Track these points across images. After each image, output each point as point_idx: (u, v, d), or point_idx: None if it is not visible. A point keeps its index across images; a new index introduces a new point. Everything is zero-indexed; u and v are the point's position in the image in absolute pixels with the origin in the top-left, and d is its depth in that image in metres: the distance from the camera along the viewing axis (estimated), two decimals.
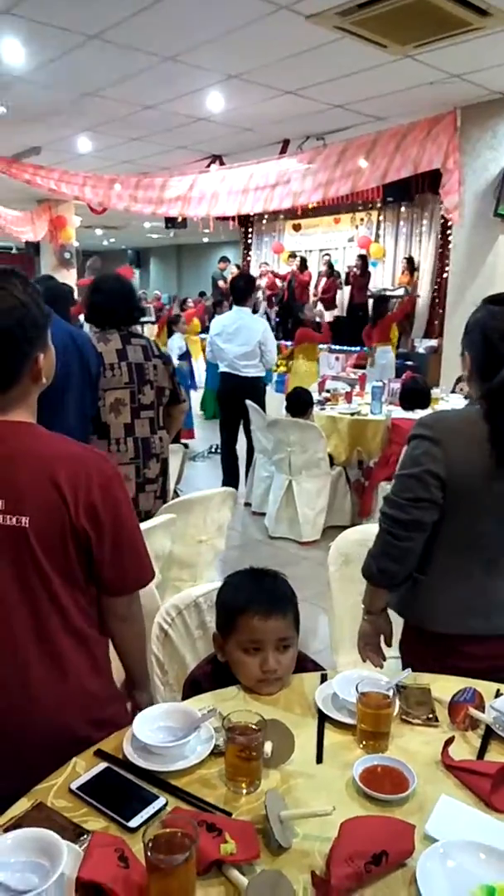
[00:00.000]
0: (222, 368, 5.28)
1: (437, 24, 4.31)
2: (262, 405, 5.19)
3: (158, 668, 1.77)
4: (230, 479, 5.57)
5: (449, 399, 5.18)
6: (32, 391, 1.30)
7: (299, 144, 7.15)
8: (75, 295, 5.11)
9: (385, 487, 4.35)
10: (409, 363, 10.50)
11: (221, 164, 8.08)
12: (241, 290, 5.30)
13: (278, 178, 6.81)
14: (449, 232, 9.77)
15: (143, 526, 1.90)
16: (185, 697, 1.55)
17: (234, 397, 5.19)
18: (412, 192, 10.77)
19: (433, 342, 10.93)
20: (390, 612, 1.73)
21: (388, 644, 1.69)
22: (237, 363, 5.16)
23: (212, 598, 1.86)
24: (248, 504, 5.29)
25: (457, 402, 5.13)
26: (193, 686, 1.52)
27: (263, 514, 4.96)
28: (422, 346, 11.13)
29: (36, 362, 1.28)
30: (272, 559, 4.34)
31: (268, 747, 1.18)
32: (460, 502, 1.50)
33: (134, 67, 5.32)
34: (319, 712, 1.35)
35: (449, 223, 7.44)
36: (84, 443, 2.61)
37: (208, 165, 8.06)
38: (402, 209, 11.99)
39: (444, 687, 1.44)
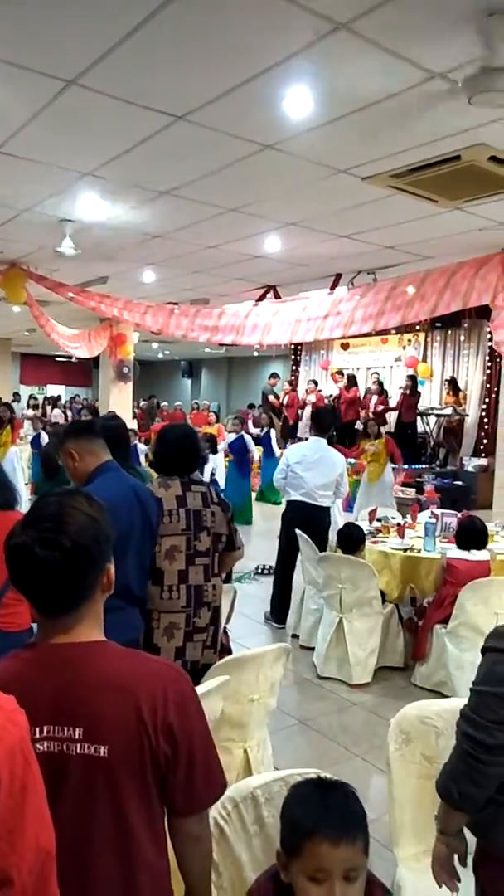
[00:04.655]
0: (294, 497, 5.24)
1: (487, 185, 4.58)
2: (327, 535, 5.17)
3: (212, 868, 1.68)
4: (280, 611, 5.44)
5: None
6: (101, 601, 1.31)
7: (351, 279, 7.51)
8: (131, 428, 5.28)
9: (440, 631, 4.20)
10: (458, 482, 10.41)
11: (276, 294, 8.52)
12: (324, 423, 5.41)
13: (330, 309, 7.11)
14: (497, 355, 9.96)
15: (199, 689, 1.85)
16: None
17: (304, 526, 5.11)
18: (460, 318, 11.09)
19: (483, 461, 10.87)
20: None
21: (463, 864, 1.57)
22: (316, 493, 5.16)
23: (270, 791, 1.77)
24: (295, 636, 5.15)
25: None
26: None
27: (311, 649, 4.80)
28: (470, 464, 11.07)
29: (107, 573, 1.30)
30: (321, 702, 4.17)
31: None
32: None
33: (200, 217, 5.76)
34: None
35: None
36: (143, 595, 2.65)
37: (263, 295, 8.49)
38: (450, 332, 12.32)
39: None
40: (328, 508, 5.27)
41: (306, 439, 6.12)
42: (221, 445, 9.80)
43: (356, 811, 1.40)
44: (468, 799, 1.48)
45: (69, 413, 17.62)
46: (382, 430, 11.60)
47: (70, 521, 1.23)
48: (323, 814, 1.37)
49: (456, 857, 1.57)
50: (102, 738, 1.18)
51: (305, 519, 5.16)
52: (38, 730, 1.17)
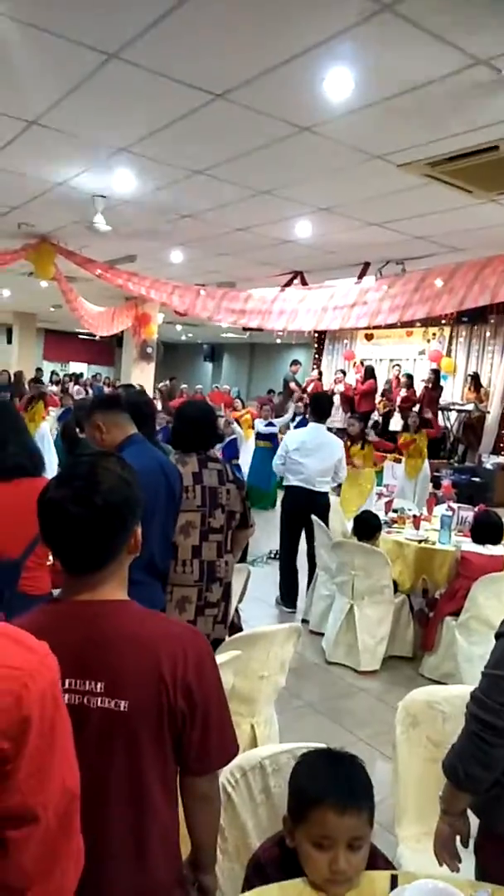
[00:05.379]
0: (293, 482, 5.30)
1: None
2: (327, 520, 5.21)
3: (218, 833, 1.71)
4: (289, 594, 5.50)
5: None
6: (127, 562, 1.33)
7: (379, 269, 7.45)
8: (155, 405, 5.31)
9: (450, 623, 4.20)
10: (476, 479, 10.35)
11: (303, 280, 8.47)
12: (323, 409, 5.43)
13: (357, 298, 7.06)
14: None
15: None
16: (247, 880, 1.49)
17: (304, 512, 5.19)
18: (486, 313, 10.97)
19: (502, 459, 10.78)
20: None
21: (465, 845, 1.58)
22: (315, 478, 5.20)
23: (278, 762, 1.81)
24: (305, 621, 5.18)
25: None
26: (258, 870, 1.46)
27: (321, 634, 4.83)
28: (489, 461, 10.99)
29: (135, 535, 1.32)
30: (328, 688, 4.20)
31: None
32: None
33: (232, 198, 5.74)
34: None
35: None
36: (166, 567, 2.68)
37: (290, 281, 8.46)
38: (475, 327, 12.18)
39: None
40: (327, 493, 5.33)
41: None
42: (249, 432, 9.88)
43: (363, 781, 1.43)
44: (473, 780, 1.50)
45: (90, 391, 17.69)
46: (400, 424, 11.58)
47: (102, 481, 1.25)
48: (330, 782, 1.40)
49: (458, 837, 1.59)
50: (123, 693, 1.21)
51: (305, 504, 5.21)
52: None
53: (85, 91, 3.94)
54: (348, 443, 6.89)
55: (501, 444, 11.30)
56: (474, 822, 1.64)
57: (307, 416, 6.54)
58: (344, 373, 13.55)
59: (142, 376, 12.10)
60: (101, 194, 5.98)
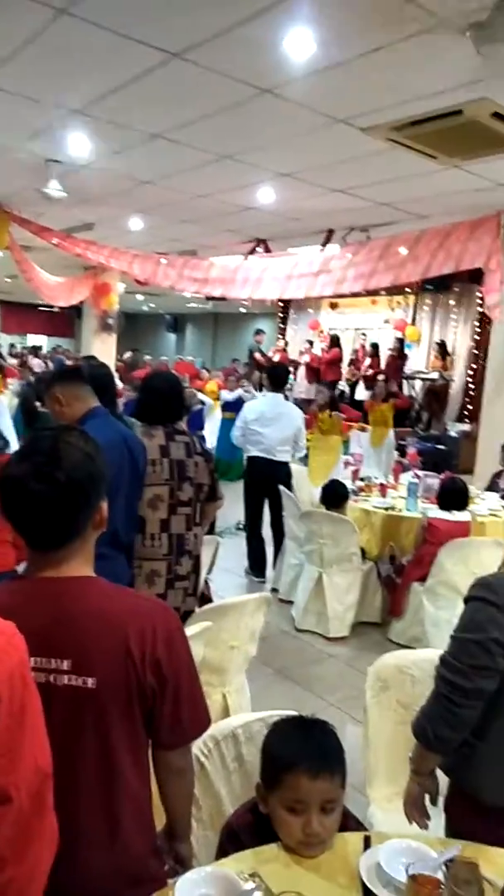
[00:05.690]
0: (254, 453, 5.31)
1: (487, 143, 4.49)
2: (290, 487, 5.25)
3: (192, 803, 1.72)
4: (257, 564, 5.54)
5: (486, 497, 5.13)
6: (92, 538, 1.31)
7: (343, 236, 7.39)
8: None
9: (417, 588, 4.27)
10: (441, 447, 10.49)
11: (266, 248, 8.37)
12: (279, 378, 5.42)
13: (321, 266, 7.01)
14: (486, 321, 9.93)
15: None
16: (221, 846, 1.50)
17: (266, 481, 5.21)
18: (451, 281, 11.00)
19: (466, 426, 10.94)
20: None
21: (434, 803, 1.62)
22: (275, 448, 5.21)
23: (250, 730, 1.82)
24: (275, 590, 5.23)
25: (493, 500, 5.08)
26: (231, 837, 1.47)
27: (290, 602, 4.88)
28: (454, 429, 11.14)
29: (100, 511, 1.29)
30: (298, 654, 4.26)
31: None
32: None
33: (192, 163, 5.60)
34: (364, 888, 1.29)
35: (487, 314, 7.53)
36: (130, 541, 2.65)
37: (253, 249, 8.35)
38: (440, 295, 12.23)
39: (494, 862, 1.37)
40: (288, 463, 5.36)
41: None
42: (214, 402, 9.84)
43: (334, 746, 1.44)
44: (442, 740, 1.53)
45: (50, 363, 17.33)
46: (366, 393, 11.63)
47: (65, 457, 1.22)
48: (303, 748, 1.41)
49: (427, 797, 1.63)
50: (90, 671, 1.19)
51: (267, 474, 5.23)
52: None
53: (35, 50, 3.76)
54: (316, 410, 6.88)
55: (465, 412, 11.45)
56: (443, 781, 1.68)
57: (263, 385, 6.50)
58: (311, 343, 13.53)
59: (103, 348, 11.88)
60: (56, 159, 5.78)
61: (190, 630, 2.38)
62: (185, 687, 1.29)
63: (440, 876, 1.25)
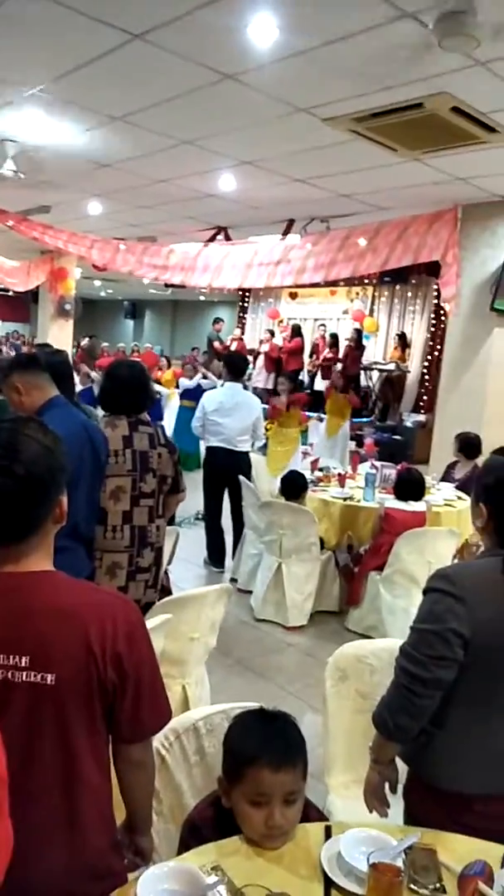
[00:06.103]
0: (213, 443, 5.29)
1: (447, 137, 4.53)
2: (250, 478, 5.24)
3: (153, 796, 1.71)
4: (216, 554, 5.54)
5: (441, 488, 5.23)
6: (52, 532, 1.28)
7: (304, 226, 7.38)
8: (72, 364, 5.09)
9: (374, 577, 4.34)
10: (397, 437, 10.65)
11: (227, 236, 8.31)
12: (238, 368, 5.41)
13: (281, 255, 7.00)
14: (442, 313, 10.08)
15: None
16: (182, 841, 1.50)
17: (226, 472, 5.20)
18: (408, 274, 11.13)
19: (421, 417, 11.12)
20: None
21: (393, 791, 1.65)
22: (235, 438, 5.20)
23: (211, 723, 1.82)
24: (234, 580, 5.23)
25: (448, 491, 5.17)
26: (193, 831, 1.47)
27: (249, 592, 4.90)
28: (409, 419, 11.32)
29: (60, 505, 1.27)
30: (257, 644, 4.28)
31: None
32: (482, 659, 1.49)
33: (152, 147, 5.50)
34: (326, 878, 1.31)
35: (443, 306, 7.65)
36: (91, 533, 2.61)
37: (213, 236, 8.28)
38: (398, 287, 12.36)
39: (451, 848, 1.40)
40: (248, 453, 5.37)
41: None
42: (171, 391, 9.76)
43: (296, 739, 1.45)
44: (402, 730, 1.55)
45: (5, 349, 16.94)
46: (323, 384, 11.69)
47: (23, 450, 1.19)
48: (264, 741, 1.42)
49: (387, 785, 1.66)
50: (49, 667, 1.18)
51: (226, 465, 5.22)
52: None
53: None
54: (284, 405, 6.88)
55: (421, 403, 11.64)
56: (402, 769, 1.71)
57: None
58: (272, 333, 13.53)
59: (60, 334, 11.65)
60: (11, 138, 5.61)
61: (150, 622, 2.35)
62: (147, 681, 1.28)
63: (400, 864, 1.27)
